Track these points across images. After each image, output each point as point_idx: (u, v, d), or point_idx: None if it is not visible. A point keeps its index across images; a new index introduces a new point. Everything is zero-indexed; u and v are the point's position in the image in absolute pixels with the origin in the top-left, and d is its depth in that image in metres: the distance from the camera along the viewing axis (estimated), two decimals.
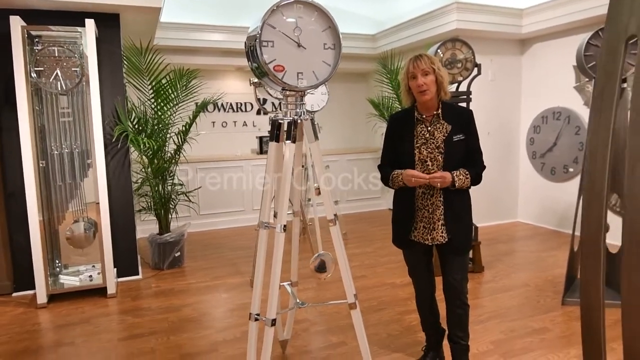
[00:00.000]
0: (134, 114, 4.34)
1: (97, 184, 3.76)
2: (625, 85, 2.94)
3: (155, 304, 3.63)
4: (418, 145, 2.26)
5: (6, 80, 3.63)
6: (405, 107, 2.37)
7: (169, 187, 4.62)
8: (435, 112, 2.26)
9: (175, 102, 4.52)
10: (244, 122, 6.98)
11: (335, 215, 2.17)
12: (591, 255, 1.05)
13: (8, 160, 3.75)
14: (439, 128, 2.24)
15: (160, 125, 4.44)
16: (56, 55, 3.63)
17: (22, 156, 3.51)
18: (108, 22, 3.94)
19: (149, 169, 4.49)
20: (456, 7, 5.06)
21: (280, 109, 2.14)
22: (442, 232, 2.27)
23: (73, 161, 3.81)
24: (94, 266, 4.10)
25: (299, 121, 2.08)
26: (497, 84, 5.87)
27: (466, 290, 2.39)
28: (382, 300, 3.58)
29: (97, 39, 3.72)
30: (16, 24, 3.40)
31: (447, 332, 2.51)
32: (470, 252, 4.10)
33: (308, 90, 2.07)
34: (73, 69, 3.67)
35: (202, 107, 4.72)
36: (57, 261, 4.04)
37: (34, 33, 3.62)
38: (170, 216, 4.66)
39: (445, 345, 2.57)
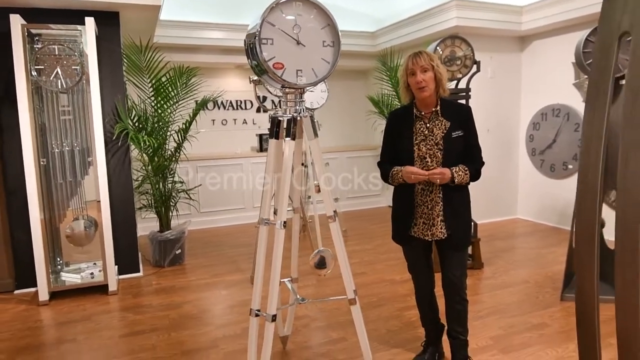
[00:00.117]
0: (134, 112, 4.35)
1: (97, 182, 3.77)
2: (623, 82, 2.95)
3: (156, 301, 3.65)
4: (417, 142, 2.28)
5: (7, 78, 3.64)
6: (405, 104, 2.39)
7: (170, 185, 4.63)
8: (434, 109, 2.27)
9: (175, 100, 4.53)
10: (244, 119, 6.99)
11: (334, 211, 2.18)
12: (585, 247, 1.06)
13: (9, 158, 3.77)
14: (438, 125, 2.26)
15: (161, 123, 4.46)
16: (56, 53, 3.64)
17: (23, 154, 3.52)
18: (108, 20, 3.94)
19: (150, 167, 4.50)
20: (456, 4, 5.06)
21: (280, 107, 2.15)
22: (441, 228, 2.29)
23: (74, 159, 3.83)
24: (95, 263, 4.11)
25: (298, 118, 2.10)
26: (497, 81, 5.88)
27: (465, 286, 2.41)
28: (382, 297, 3.60)
29: (97, 37, 3.73)
30: (16, 22, 3.40)
31: (446, 328, 2.53)
32: (470, 249, 4.13)
33: (307, 88, 2.08)
34: (73, 67, 3.68)
35: (202, 105, 4.73)
36: (58, 259, 4.05)
37: (34, 31, 3.62)
38: (170, 214, 4.68)
39: (445, 340, 2.59)
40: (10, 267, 3.89)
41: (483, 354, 2.69)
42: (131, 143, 4.12)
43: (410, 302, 3.34)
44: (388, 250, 4.78)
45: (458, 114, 2.29)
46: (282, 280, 2.22)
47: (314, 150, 2.17)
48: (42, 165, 3.70)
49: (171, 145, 4.61)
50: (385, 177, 2.39)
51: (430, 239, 2.33)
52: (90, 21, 3.61)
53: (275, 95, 4.55)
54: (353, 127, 7.75)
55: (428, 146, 2.26)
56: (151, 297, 3.75)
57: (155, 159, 4.45)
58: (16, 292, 3.88)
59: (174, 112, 4.55)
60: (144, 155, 4.42)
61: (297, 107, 2.10)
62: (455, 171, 2.21)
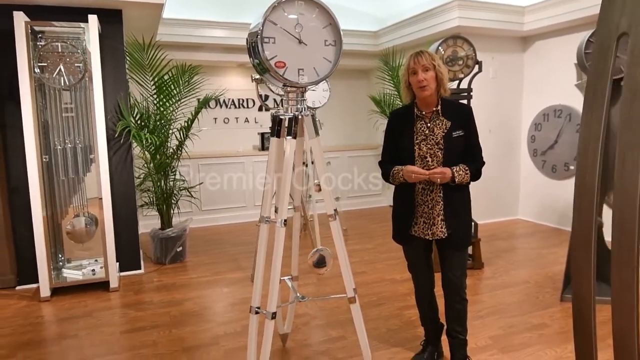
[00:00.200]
0: (136, 110, 4.36)
1: (100, 179, 3.78)
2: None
3: (157, 298, 3.66)
4: (418, 141, 2.28)
5: (10, 75, 3.66)
6: (406, 104, 2.40)
7: (171, 183, 4.65)
8: (434, 109, 2.28)
9: (177, 98, 4.54)
10: (246, 118, 7.00)
11: (335, 210, 2.19)
12: (582, 248, 1.07)
13: (12, 155, 3.78)
14: (439, 124, 2.27)
15: (163, 121, 4.47)
16: (59, 50, 3.65)
17: (25, 151, 3.54)
18: (111, 18, 3.96)
19: (151, 165, 4.52)
20: (458, 4, 5.06)
21: (282, 105, 2.16)
22: (441, 227, 2.30)
23: (76, 156, 3.84)
24: (96, 260, 4.13)
25: (299, 117, 2.11)
26: (499, 82, 5.88)
27: (465, 285, 2.42)
28: (382, 296, 3.61)
29: (100, 34, 3.74)
30: (20, 19, 3.42)
31: (445, 327, 2.54)
32: (470, 249, 4.13)
33: (309, 87, 2.09)
34: (76, 64, 3.69)
35: (204, 104, 4.74)
36: (60, 255, 4.07)
37: (37, 29, 3.64)
38: (172, 211, 4.70)
39: (444, 340, 2.60)
40: (13, 263, 3.91)
41: (482, 354, 2.70)
42: (133, 141, 4.14)
43: (410, 301, 3.35)
44: (389, 250, 4.78)
45: (459, 113, 2.30)
46: (282, 278, 2.23)
47: (315, 149, 2.17)
48: (45, 162, 3.72)
49: (173, 143, 4.62)
50: (386, 176, 2.40)
51: (430, 239, 2.34)
52: (93, 19, 3.63)
53: (277, 94, 4.55)
54: (355, 126, 7.76)
55: (429, 145, 2.27)
56: (152, 294, 3.77)
57: (157, 156, 4.46)
58: (18, 288, 3.91)
59: (176, 110, 4.57)
60: (146, 153, 4.44)
61: (299, 106, 2.10)
62: (455, 170, 2.22)
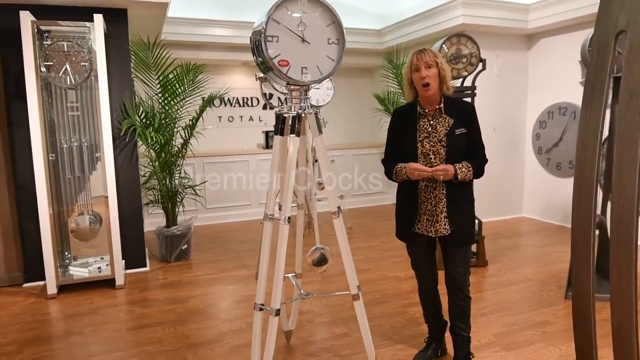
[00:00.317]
0: (141, 109, 4.39)
1: (105, 178, 3.82)
2: None
3: (163, 295, 3.69)
4: (421, 139, 2.29)
5: (17, 74, 3.69)
6: (408, 102, 2.40)
7: (176, 181, 4.68)
8: (437, 106, 2.29)
9: (182, 97, 4.57)
10: (250, 116, 7.02)
11: (338, 207, 2.20)
12: (582, 242, 1.07)
13: (19, 153, 3.82)
14: (441, 122, 2.27)
15: (168, 120, 4.49)
16: (65, 50, 3.68)
17: (32, 149, 3.57)
18: (116, 17, 3.99)
19: (157, 163, 4.55)
20: (462, 2, 5.06)
21: (286, 104, 2.17)
22: (445, 224, 2.30)
23: (82, 154, 3.87)
24: (102, 258, 4.17)
25: (303, 115, 2.12)
26: (504, 79, 5.86)
27: (468, 282, 2.42)
28: (386, 293, 3.62)
29: (105, 34, 3.77)
30: (26, 19, 3.45)
31: (449, 324, 2.54)
32: (474, 247, 4.14)
33: (312, 85, 2.10)
34: (82, 63, 3.72)
35: (208, 102, 4.76)
36: (66, 253, 4.11)
37: (43, 28, 3.67)
38: (177, 209, 4.72)
39: (447, 337, 2.61)
40: (20, 261, 3.95)
41: (485, 351, 2.70)
42: (138, 139, 4.17)
43: (414, 298, 3.36)
44: (393, 248, 4.79)
45: (461, 111, 2.30)
46: (286, 275, 2.24)
47: (319, 147, 2.19)
48: (51, 160, 3.75)
49: (178, 141, 4.64)
50: (389, 174, 2.41)
51: (433, 236, 2.34)
52: (98, 18, 3.65)
53: (281, 93, 4.56)
54: (359, 124, 7.76)
55: (431, 143, 2.27)
56: (158, 291, 3.80)
57: (162, 155, 4.49)
58: (25, 285, 3.94)
59: (180, 109, 4.59)
60: (151, 151, 4.46)
61: (302, 104, 2.12)
62: (458, 168, 2.22)
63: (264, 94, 4.07)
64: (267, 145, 6.65)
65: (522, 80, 6.01)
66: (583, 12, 4.83)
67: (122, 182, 4.14)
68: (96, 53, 3.68)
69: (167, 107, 4.50)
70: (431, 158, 2.28)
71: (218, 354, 2.75)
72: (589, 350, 1.13)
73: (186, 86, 4.55)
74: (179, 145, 4.64)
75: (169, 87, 4.46)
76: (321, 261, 2.25)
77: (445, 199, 2.29)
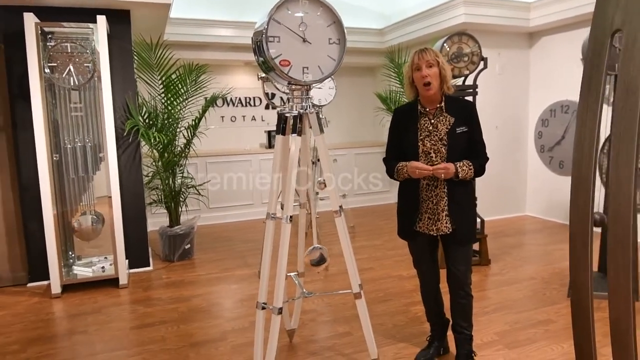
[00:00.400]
0: (144, 109, 4.41)
1: (109, 178, 3.84)
2: None
3: (166, 295, 3.71)
4: (422, 137, 2.30)
5: (21, 75, 3.71)
6: (409, 101, 2.41)
7: (179, 181, 4.70)
8: (438, 105, 2.29)
9: (185, 97, 4.58)
10: (253, 116, 7.03)
11: (340, 206, 2.21)
12: (580, 239, 1.08)
13: (23, 154, 3.84)
14: (442, 121, 2.28)
15: (170, 120, 4.51)
16: (69, 51, 3.70)
17: (36, 150, 3.60)
18: (119, 18, 4.00)
19: (160, 163, 4.57)
20: (463, 1, 5.06)
21: (288, 103, 2.19)
22: (446, 223, 2.31)
23: (85, 155, 3.89)
24: (106, 257, 4.19)
25: (304, 115, 2.13)
26: (505, 78, 5.86)
27: (470, 281, 2.43)
28: (389, 292, 3.63)
29: (108, 35, 3.79)
30: (30, 20, 3.47)
31: (451, 323, 2.55)
32: (477, 245, 4.14)
33: (313, 85, 2.11)
34: (85, 64, 3.74)
35: (211, 102, 4.78)
36: (70, 252, 4.13)
37: (47, 29, 3.69)
38: (180, 209, 4.74)
39: (450, 335, 2.61)
40: (24, 261, 3.98)
41: (488, 349, 2.71)
42: (142, 139, 4.18)
43: (417, 297, 3.37)
44: (395, 247, 4.80)
45: (462, 109, 2.31)
46: (288, 274, 2.25)
47: (320, 146, 2.20)
48: (55, 160, 3.77)
49: (181, 141, 4.66)
50: (390, 172, 2.42)
51: (435, 234, 2.35)
52: (102, 19, 3.67)
53: (283, 92, 4.57)
54: (361, 123, 7.76)
55: (432, 142, 2.28)
56: (161, 290, 3.82)
57: (165, 155, 4.51)
58: (29, 284, 3.97)
59: (183, 109, 4.61)
60: (154, 151, 4.49)
61: (304, 104, 2.13)
62: (459, 166, 2.23)
63: (266, 94, 4.08)
64: (270, 145, 6.67)
65: (524, 79, 6.00)
66: (584, 10, 4.82)
67: (126, 182, 4.16)
68: (99, 54, 3.70)
69: (170, 107, 4.52)
70: (432, 157, 2.28)
71: (221, 353, 2.76)
72: (587, 347, 1.14)
73: (189, 86, 4.57)
74: (182, 145, 4.66)
75: (172, 87, 4.48)
76: (320, 261, 2.26)
77: (446, 198, 2.30)
